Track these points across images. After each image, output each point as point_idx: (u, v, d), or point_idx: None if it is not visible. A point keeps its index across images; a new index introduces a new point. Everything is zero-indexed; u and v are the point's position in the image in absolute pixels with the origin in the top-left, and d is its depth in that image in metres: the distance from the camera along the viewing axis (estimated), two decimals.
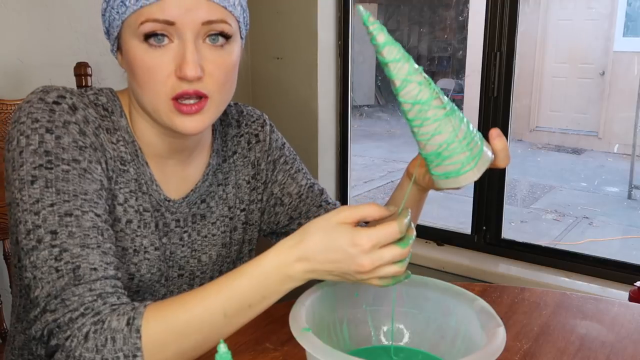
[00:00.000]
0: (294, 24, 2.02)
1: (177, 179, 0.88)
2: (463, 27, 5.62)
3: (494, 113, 1.77)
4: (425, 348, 0.78)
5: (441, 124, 0.67)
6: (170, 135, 0.83)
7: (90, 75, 1.30)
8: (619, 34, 5.28)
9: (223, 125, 0.95)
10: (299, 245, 0.65)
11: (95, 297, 0.67)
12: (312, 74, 2.01)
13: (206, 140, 0.91)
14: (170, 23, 0.71)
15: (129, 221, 0.81)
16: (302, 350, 0.62)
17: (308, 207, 0.98)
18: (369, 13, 0.64)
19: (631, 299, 1.33)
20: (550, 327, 0.89)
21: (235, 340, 0.82)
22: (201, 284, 0.91)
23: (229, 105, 0.97)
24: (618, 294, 1.58)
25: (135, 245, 0.82)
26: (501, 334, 0.65)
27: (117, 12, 0.74)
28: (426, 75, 0.67)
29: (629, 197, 4.63)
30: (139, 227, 0.82)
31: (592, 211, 4.37)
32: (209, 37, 0.73)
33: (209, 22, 0.72)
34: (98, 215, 0.73)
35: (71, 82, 1.29)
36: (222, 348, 0.55)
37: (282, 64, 2.08)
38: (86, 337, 0.64)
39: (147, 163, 0.83)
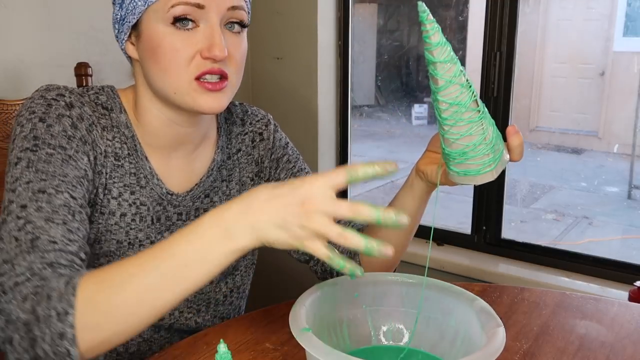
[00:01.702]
0: (294, 24, 2.02)
1: (181, 173, 0.89)
2: (463, 27, 5.61)
3: (494, 113, 1.77)
4: (425, 348, 0.78)
5: (473, 126, 0.69)
6: (180, 124, 0.85)
7: (91, 76, 1.30)
8: (618, 34, 5.27)
9: (228, 123, 0.97)
10: (240, 199, 0.63)
11: (45, 265, 0.65)
12: (312, 74, 2.01)
13: (211, 136, 0.93)
14: (201, 7, 0.75)
15: (123, 214, 0.83)
16: (302, 350, 0.62)
17: None
18: (428, 11, 0.66)
19: (631, 299, 1.33)
20: (549, 327, 0.89)
21: (235, 340, 0.83)
22: None
23: (234, 105, 1.00)
24: (618, 294, 1.58)
25: (129, 238, 0.84)
26: (501, 334, 0.65)
27: None
28: (468, 78, 0.69)
29: (629, 197, 4.62)
30: (133, 220, 0.84)
31: (592, 211, 4.37)
32: (226, 24, 0.79)
33: (234, 8, 0.77)
34: (73, 198, 0.73)
35: (71, 83, 1.29)
36: (222, 348, 0.55)
37: (282, 64, 2.08)
38: (25, 298, 0.62)
39: (146, 157, 0.85)
